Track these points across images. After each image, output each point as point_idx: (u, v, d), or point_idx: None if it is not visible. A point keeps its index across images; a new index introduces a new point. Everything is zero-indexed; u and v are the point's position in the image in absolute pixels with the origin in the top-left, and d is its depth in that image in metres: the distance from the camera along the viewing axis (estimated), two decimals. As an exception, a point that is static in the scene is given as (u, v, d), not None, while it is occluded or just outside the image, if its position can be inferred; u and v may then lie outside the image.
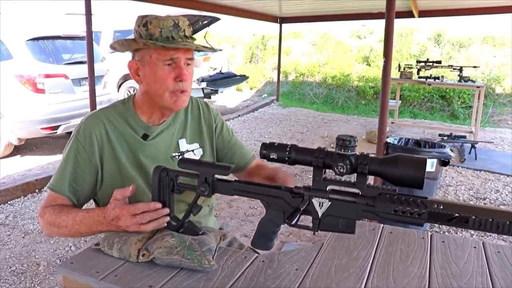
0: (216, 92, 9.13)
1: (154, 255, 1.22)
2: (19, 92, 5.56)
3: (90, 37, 5.38)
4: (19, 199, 4.45)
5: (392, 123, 7.77)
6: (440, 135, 6.67)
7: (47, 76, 5.67)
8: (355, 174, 1.05)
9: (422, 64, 7.30)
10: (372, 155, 1.04)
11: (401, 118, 9.33)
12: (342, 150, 1.03)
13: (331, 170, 1.06)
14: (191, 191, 1.27)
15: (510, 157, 6.16)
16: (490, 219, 0.92)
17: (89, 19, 5.29)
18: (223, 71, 10.02)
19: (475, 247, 1.41)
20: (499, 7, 7.13)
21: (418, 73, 7.32)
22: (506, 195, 4.73)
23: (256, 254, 1.34)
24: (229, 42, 15.10)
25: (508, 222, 0.91)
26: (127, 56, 1.51)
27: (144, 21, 1.43)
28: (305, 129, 8.16)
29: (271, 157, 1.11)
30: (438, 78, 7.15)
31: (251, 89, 13.06)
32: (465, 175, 5.37)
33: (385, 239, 1.46)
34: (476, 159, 5.85)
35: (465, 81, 7.04)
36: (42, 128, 5.67)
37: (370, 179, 1.12)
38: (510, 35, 11.20)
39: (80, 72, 6.03)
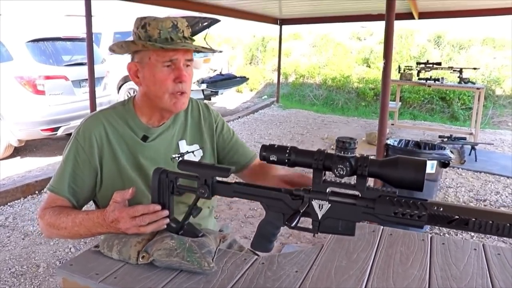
0: (216, 93, 9.13)
1: (153, 257, 1.22)
2: (19, 93, 5.56)
3: (90, 39, 5.38)
4: (19, 200, 4.44)
5: (392, 124, 7.77)
6: (440, 136, 6.67)
7: (47, 77, 5.67)
8: (355, 176, 1.05)
9: (422, 65, 7.31)
10: (372, 157, 1.04)
11: (401, 120, 9.33)
12: (342, 152, 1.03)
13: (331, 172, 1.06)
14: (191, 193, 1.27)
15: (510, 159, 6.15)
16: (490, 221, 0.92)
17: (89, 21, 5.30)
18: (223, 72, 10.03)
19: (475, 249, 1.41)
20: (499, 8, 7.14)
21: (418, 75, 7.32)
22: (506, 196, 4.73)
23: (256, 256, 1.34)
24: (229, 44, 15.11)
25: (508, 224, 0.91)
26: (127, 57, 1.51)
27: (142, 23, 1.43)
28: (305, 130, 8.16)
29: (270, 159, 1.11)
30: (438, 79, 7.16)
31: (251, 90, 13.07)
32: (465, 176, 5.37)
33: (385, 241, 1.46)
34: (476, 160, 5.84)
35: (465, 82, 7.04)
36: (42, 130, 5.67)
37: (370, 181, 1.12)
38: (510, 36, 11.22)
39: (80, 73, 6.03)
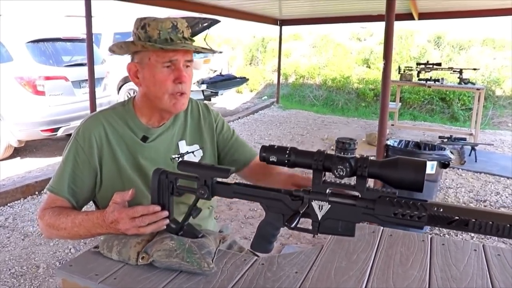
0: (216, 94, 9.13)
1: (153, 258, 1.22)
2: (19, 94, 5.56)
3: (90, 39, 5.38)
4: (19, 201, 4.44)
5: (392, 125, 7.77)
6: (440, 137, 6.67)
7: (47, 78, 5.67)
8: (355, 177, 1.05)
9: (422, 66, 7.30)
10: (372, 158, 1.03)
11: (401, 120, 9.34)
12: (342, 153, 1.02)
13: (330, 173, 1.06)
14: (191, 194, 1.27)
15: (510, 159, 6.15)
16: (490, 222, 0.92)
17: (89, 21, 5.30)
18: (223, 73, 10.02)
19: (475, 250, 1.41)
20: (499, 9, 7.14)
21: (418, 75, 7.32)
22: (506, 197, 4.73)
23: (256, 257, 1.34)
24: (229, 44, 15.12)
25: (508, 225, 0.91)
26: (127, 58, 1.51)
27: (142, 23, 1.43)
28: (305, 131, 8.16)
29: (270, 160, 1.11)
30: (438, 80, 7.16)
31: (251, 91, 13.07)
32: (465, 177, 5.37)
33: (385, 241, 1.46)
34: (476, 161, 5.84)
35: (465, 83, 7.04)
36: (42, 130, 5.66)
37: (370, 182, 1.12)
38: (510, 37, 11.22)
39: (80, 74, 6.03)
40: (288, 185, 1.52)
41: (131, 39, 1.48)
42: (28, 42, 5.78)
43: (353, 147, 1.02)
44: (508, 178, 5.33)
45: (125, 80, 8.66)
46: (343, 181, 1.08)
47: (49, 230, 1.44)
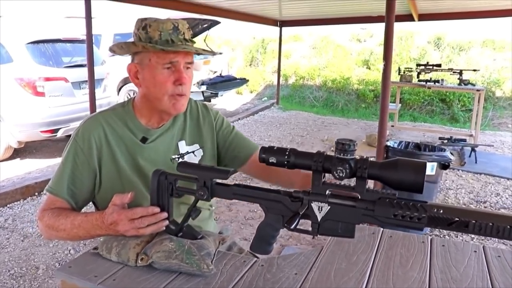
0: (216, 95, 9.13)
1: (152, 259, 1.22)
2: (19, 95, 5.55)
3: (90, 40, 5.38)
4: (19, 202, 4.44)
5: (392, 126, 7.76)
6: (440, 138, 6.66)
7: (47, 79, 5.67)
8: (355, 178, 1.04)
9: (422, 67, 7.30)
10: (372, 159, 1.03)
11: (401, 122, 9.33)
12: (342, 154, 1.02)
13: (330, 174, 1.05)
14: (190, 195, 1.27)
15: (510, 160, 6.15)
16: (490, 224, 0.92)
17: (89, 22, 5.30)
18: (223, 74, 10.02)
19: (475, 251, 1.40)
20: (499, 10, 7.13)
21: (418, 77, 7.33)
22: (507, 198, 4.72)
23: (255, 258, 1.33)
24: (229, 46, 15.12)
25: (508, 227, 0.90)
26: (127, 59, 1.50)
27: (143, 24, 1.42)
28: (305, 132, 8.16)
29: (270, 161, 1.10)
30: (438, 81, 7.16)
31: (251, 92, 13.07)
32: (465, 178, 5.37)
33: (385, 243, 1.45)
34: (476, 162, 5.84)
35: (465, 84, 7.04)
36: (41, 131, 5.66)
37: (370, 183, 1.12)
38: (510, 38, 11.22)
39: (80, 75, 6.03)
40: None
41: (131, 39, 1.48)
42: (28, 43, 5.78)
43: (352, 148, 1.02)
44: (508, 179, 5.32)
45: (125, 81, 8.66)
46: (343, 182, 1.08)
47: (48, 231, 1.44)
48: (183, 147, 1.60)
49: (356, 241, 1.43)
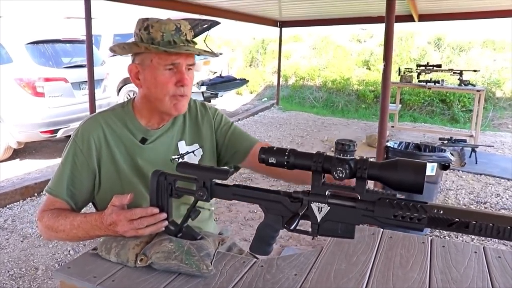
0: (216, 96, 9.14)
1: (152, 260, 1.21)
2: (19, 95, 5.56)
3: (90, 41, 5.38)
4: (18, 202, 4.44)
5: (392, 127, 7.76)
6: (440, 139, 6.66)
7: (47, 79, 5.68)
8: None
9: (422, 68, 7.30)
10: (372, 159, 1.03)
11: (401, 122, 9.33)
12: (341, 154, 1.02)
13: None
14: (189, 195, 1.26)
15: (510, 161, 6.15)
16: (491, 224, 0.91)
17: (89, 23, 5.30)
18: (223, 75, 10.02)
19: (475, 252, 1.40)
20: (499, 11, 7.14)
21: (418, 77, 7.33)
22: (507, 199, 4.72)
23: (255, 259, 1.33)
24: (229, 46, 15.12)
25: (509, 227, 0.90)
26: (127, 59, 1.50)
27: (145, 25, 1.42)
28: (305, 133, 8.15)
29: (269, 161, 1.10)
30: (438, 82, 7.16)
31: (251, 93, 13.07)
32: (465, 179, 5.36)
33: (385, 244, 1.45)
34: (476, 163, 5.84)
35: (465, 85, 7.04)
36: (41, 132, 5.66)
37: (370, 184, 1.11)
38: (510, 39, 11.22)
39: (79, 75, 6.03)
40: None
41: (132, 39, 1.47)
42: (28, 43, 5.78)
43: (352, 149, 1.02)
44: (508, 179, 5.32)
45: (124, 82, 8.66)
46: (342, 183, 1.08)
47: (48, 232, 1.44)
48: (183, 147, 1.59)
49: (356, 241, 1.43)
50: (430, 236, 3.48)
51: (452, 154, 3.90)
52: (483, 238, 3.59)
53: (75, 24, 8.28)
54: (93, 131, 1.47)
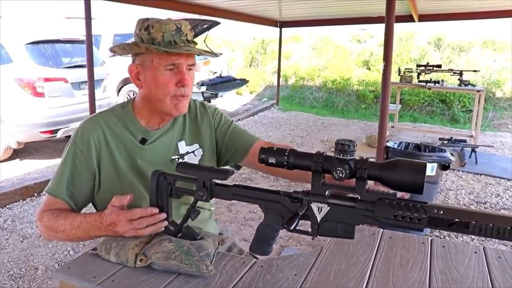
0: (216, 96, 9.13)
1: (151, 260, 1.21)
2: (19, 95, 5.55)
3: (89, 41, 5.38)
4: (18, 203, 4.43)
5: (392, 127, 7.76)
6: (440, 139, 6.66)
7: (47, 79, 5.67)
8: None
9: (422, 68, 7.30)
10: (372, 160, 1.03)
11: (401, 122, 9.33)
12: (341, 154, 1.01)
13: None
14: (189, 195, 1.26)
15: (510, 161, 6.15)
16: (491, 224, 0.91)
17: (89, 23, 5.30)
18: (223, 75, 10.02)
19: (475, 252, 1.40)
20: (499, 11, 7.14)
21: (418, 77, 7.32)
22: (507, 199, 4.72)
23: (255, 259, 1.33)
24: (229, 46, 15.12)
25: (509, 228, 0.90)
26: (127, 60, 1.50)
27: (145, 25, 1.41)
28: (305, 133, 8.15)
29: (269, 161, 1.10)
30: (438, 82, 7.16)
31: (251, 93, 13.07)
32: (465, 179, 5.36)
33: (384, 244, 1.45)
34: (476, 163, 5.83)
35: (465, 85, 7.04)
36: (41, 132, 5.66)
37: (371, 184, 1.11)
38: (510, 39, 11.22)
39: (79, 76, 6.03)
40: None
41: (132, 40, 1.47)
42: (28, 43, 5.78)
43: (352, 149, 1.01)
44: (508, 180, 5.32)
45: (124, 82, 8.66)
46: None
47: (48, 233, 1.44)
48: (183, 147, 1.59)
49: (356, 242, 1.43)
50: (430, 236, 3.48)
51: (452, 154, 3.90)
52: (483, 238, 3.59)
53: (75, 24, 8.28)
54: (93, 132, 1.47)
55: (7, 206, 4.34)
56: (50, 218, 1.41)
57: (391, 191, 1.02)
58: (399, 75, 7.55)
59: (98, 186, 1.50)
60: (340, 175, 1.01)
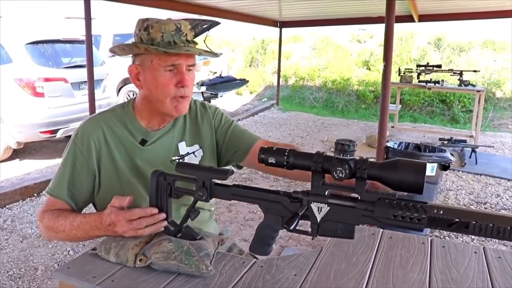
0: (216, 96, 9.13)
1: (151, 260, 1.21)
2: (19, 95, 5.55)
3: (89, 41, 5.38)
4: (18, 203, 4.43)
5: (392, 127, 7.76)
6: (440, 139, 6.66)
7: (47, 80, 5.67)
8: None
9: (422, 68, 7.30)
10: (372, 160, 1.03)
11: (401, 122, 9.33)
12: (341, 154, 1.01)
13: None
14: (189, 195, 1.26)
15: (510, 162, 6.15)
16: (491, 224, 0.91)
17: (88, 23, 5.29)
18: (223, 75, 10.02)
19: (475, 252, 1.40)
20: (499, 11, 7.14)
21: (418, 77, 7.32)
22: (507, 199, 4.72)
23: (255, 259, 1.33)
24: (229, 46, 15.12)
25: (509, 228, 0.90)
26: (127, 60, 1.49)
27: (145, 25, 1.41)
28: (305, 133, 8.15)
29: (269, 161, 1.10)
30: (438, 82, 7.16)
31: (251, 93, 13.07)
32: (465, 179, 5.36)
33: (384, 244, 1.45)
34: (476, 163, 5.83)
35: (465, 85, 7.04)
36: (41, 132, 5.66)
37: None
38: (510, 39, 11.22)
39: (79, 76, 6.03)
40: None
41: (132, 40, 1.47)
42: (28, 43, 5.78)
43: (352, 149, 1.01)
44: (508, 180, 5.32)
45: (124, 82, 8.65)
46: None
47: (48, 233, 1.44)
48: (183, 148, 1.59)
49: (355, 242, 1.43)
50: (430, 236, 3.48)
51: (452, 154, 3.90)
52: (483, 239, 3.59)
53: (75, 24, 8.29)
54: (93, 132, 1.47)
55: (7, 206, 4.33)
56: (50, 219, 1.41)
57: (391, 191, 1.02)
58: (399, 75, 7.55)
59: (98, 186, 1.50)
60: (340, 175, 1.01)
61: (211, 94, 8.87)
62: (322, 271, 1.27)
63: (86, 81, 5.58)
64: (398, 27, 5.27)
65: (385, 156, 4.00)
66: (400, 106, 8.87)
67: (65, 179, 1.45)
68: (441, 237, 3.66)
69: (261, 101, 12.03)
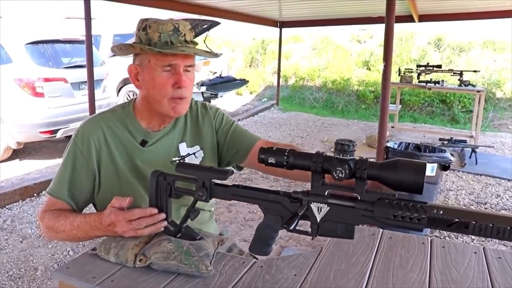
0: (215, 96, 9.13)
1: (151, 260, 1.21)
2: (18, 96, 5.55)
3: (89, 41, 5.38)
4: (17, 203, 4.43)
5: (392, 127, 7.76)
6: (440, 139, 6.66)
7: (46, 80, 5.67)
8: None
9: (422, 68, 7.29)
10: (372, 160, 1.02)
11: (401, 123, 9.32)
12: (341, 154, 1.01)
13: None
14: (189, 195, 1.26)
15: (510, 162, 6.15)
16: (491, 225, 0.91)
17: (88, 23, 5.29)
18: (223, 75, 10.02)
19: (475, 253, 1.40)
20: (499, 11, 7.14)
21: (418, 78, 7.32)
22: (507, 199, 4.72)
23: (255, 260, 1.33)
24: (229, 46, 15.11)
25: (509, 228, 0.90)
26: (127, 60, 1.49)
27: (144, 25, 1.41)
28: (305, 133, 8.15)
29: (269, 161, 1.10)
30: (438, 82, 7.16)
31: (251, 93, 13.07)
32: (465, 179, 5.36)
33: (384, 244, 1.45)
34: (476, 163, 5.83)
35: (465, 85, 7.04)
36: (41, 132, 5.66)
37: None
38: (510, 39, 11.21)
39: (79, 76, 6.02)
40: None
41: (133, 39, 1.47)
42: (27, 43, 5.78)
43: (352, 149, 1.01)
44: (508, 180, 5.32)
45: (124, 82, 8.65)
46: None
47: (49, 233, 1.45)
48: (184, 149, 1.58)
49: (355, 242, 1.43)
50: (430, 236, 3.48)
51: (452, 154, 3.90)
52: (483, 239, 3.59)
53: (75, 24, 8.29)
54: (93, 133, 1.47)
55: (7, 207, 4.33)
56: (51, 219, 1.41)
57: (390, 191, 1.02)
58: (399, 75, 7.55)
59: (98, 186, 1.50)
60: (340, 175, 1.01)
61: (211, 94, 8.86)
62: (322, 271, 1.27)
63: (86, 81, 5.58)
64: (398, 27, 5.27)
65: (385, 156, 4.00)
66: (400, 106, 8.86)
67: (66, 179, 1.46)
68: (441, 237, 3.66)
69: (261, 101, 12.03)
